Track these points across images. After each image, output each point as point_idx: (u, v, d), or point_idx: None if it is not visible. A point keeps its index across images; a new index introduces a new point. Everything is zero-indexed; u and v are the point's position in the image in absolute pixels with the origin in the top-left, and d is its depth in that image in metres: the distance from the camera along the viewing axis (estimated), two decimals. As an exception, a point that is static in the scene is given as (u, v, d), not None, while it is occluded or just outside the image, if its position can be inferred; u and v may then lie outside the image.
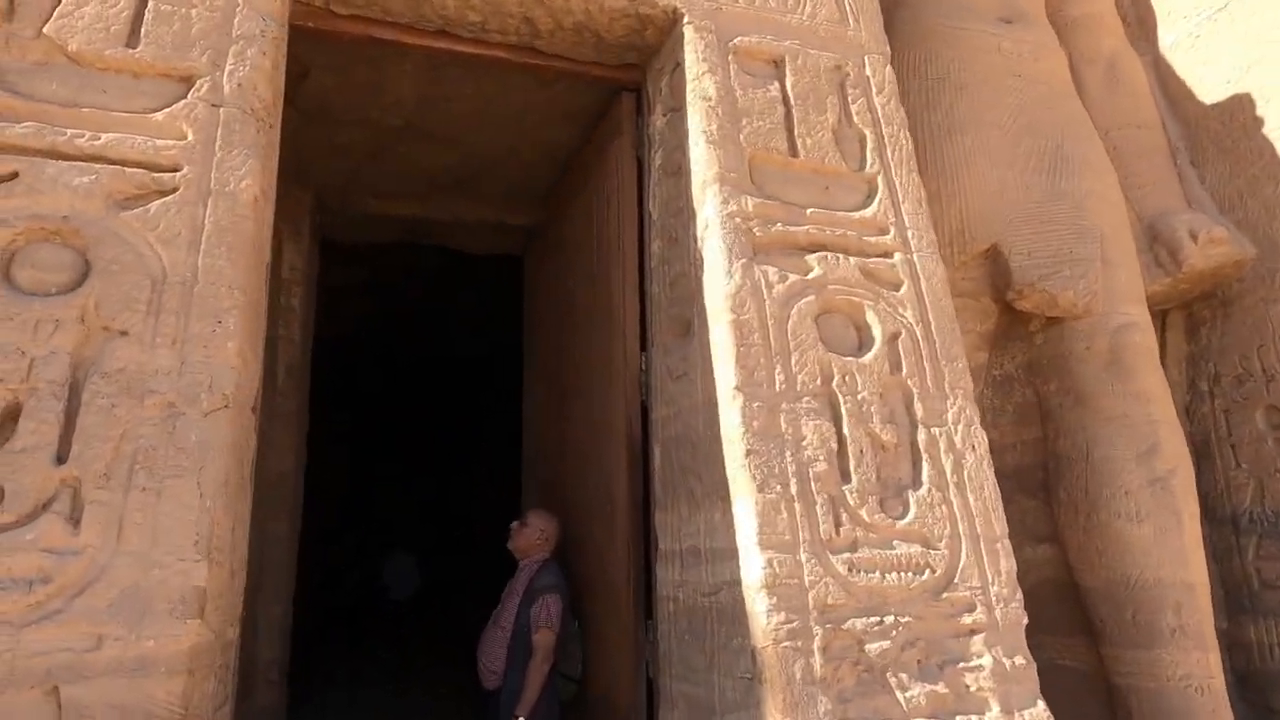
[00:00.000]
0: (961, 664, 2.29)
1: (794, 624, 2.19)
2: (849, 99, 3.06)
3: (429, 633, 9.19)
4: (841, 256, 2.76)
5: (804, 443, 2.42)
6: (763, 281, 2.61)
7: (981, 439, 2.63)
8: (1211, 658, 3.48)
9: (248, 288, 2.21)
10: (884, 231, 2.87)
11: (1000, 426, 4.06)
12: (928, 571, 2.38)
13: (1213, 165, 4.55)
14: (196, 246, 2.14)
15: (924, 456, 2.54)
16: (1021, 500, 3.95)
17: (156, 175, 2.20)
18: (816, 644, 2.18)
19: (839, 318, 2.69)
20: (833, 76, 3.07)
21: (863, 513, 2.39)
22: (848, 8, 3.25)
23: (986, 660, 2.31)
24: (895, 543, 2.39)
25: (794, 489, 2.35)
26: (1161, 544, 3.55)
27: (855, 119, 3.03)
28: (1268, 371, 4.18)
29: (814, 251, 2.74)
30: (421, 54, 3.31)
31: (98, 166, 2.16)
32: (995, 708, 2.25)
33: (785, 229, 2.74)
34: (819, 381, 2.53)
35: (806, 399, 2.48)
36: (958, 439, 2.60)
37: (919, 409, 2.60)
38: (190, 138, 2.27)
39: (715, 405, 2.54)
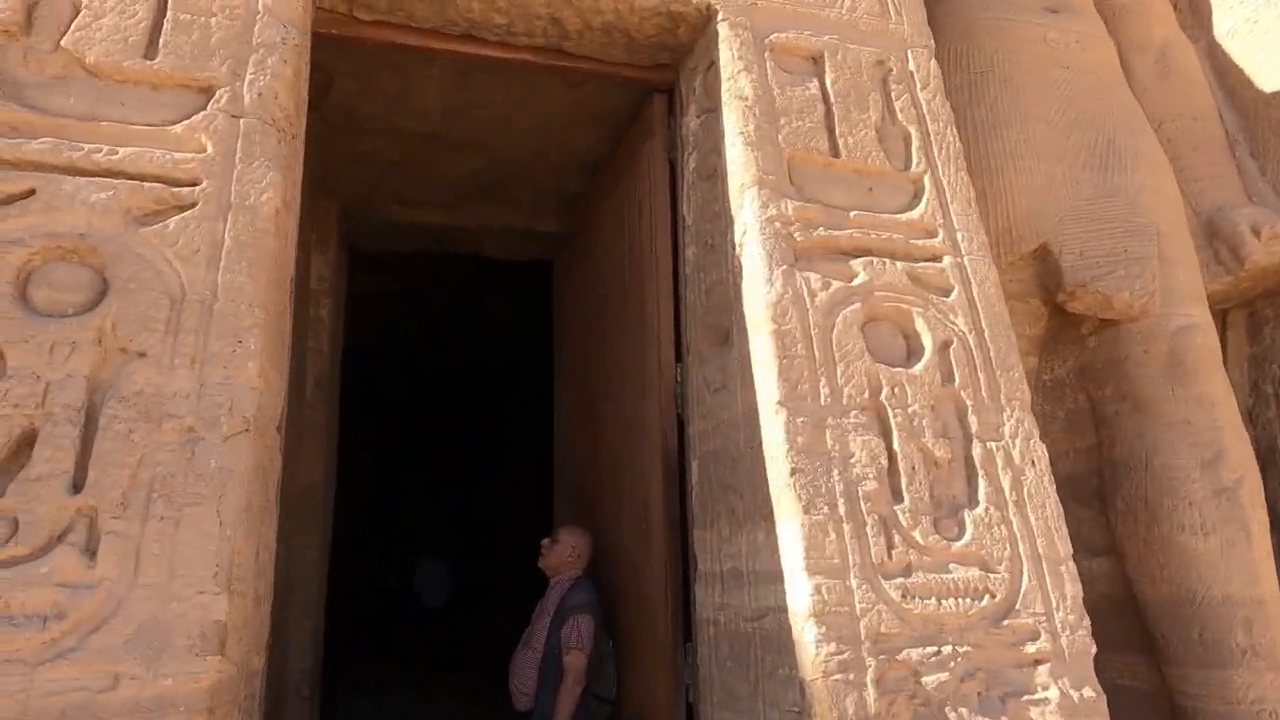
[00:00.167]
0: (1025, 697, 2.14)
1: (845, 655, 2.05)
2: (892, 95, 2.92)
3: (455, 639, 9.18)
4: (887, 261, 2.62)
5: (852, 460, 2.29)
6: (805, 289, 2.48)
7: (1042, 453, 2.48)
8: (1286, 679, 3.28)
9: (269, 304, 2.13)
10: (932, 234, 2.73)
11: (1051, 434, 3.88)
12: (987, 597, 2.23)
13: (1274, 156, 4.31)
14: (216, 263, 2.06)
15: (980, 473, 2.39)
16: (1075, 510, 3.76)
17: (175, 190, 2.12)
18: (869, 676, 2.04)
19: (886, 326, 2.55)
20: (874, 72, 2.93)
21: (916, 534, 2.25)
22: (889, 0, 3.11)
23: (1053, 692, 2.15)
24: (951, 566, 2.25)
25: (842, 509, 2.21)
26: (1229, 558, 3.35)
27: (899, 116, 2.88)
28: (1336, 373, 3.96)
29: (858, 256, 2.60)
30: (447, 59, 3.23)
31: (116, 182, 2.09)
32: (1063, 744, 2.10)
33: (827, 233, 2.61)
34: (866, 394, 2.39)
35: (854, 413, 2.35)
36: (1016, 454, 2.45)
37: (973, 422, 2.45)
38: (210, 150, 2.20)
39: (756, 420, 2.41)
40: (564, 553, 3.37)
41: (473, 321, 7.68)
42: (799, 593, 2.14)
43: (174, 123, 2.22)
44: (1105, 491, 3.75)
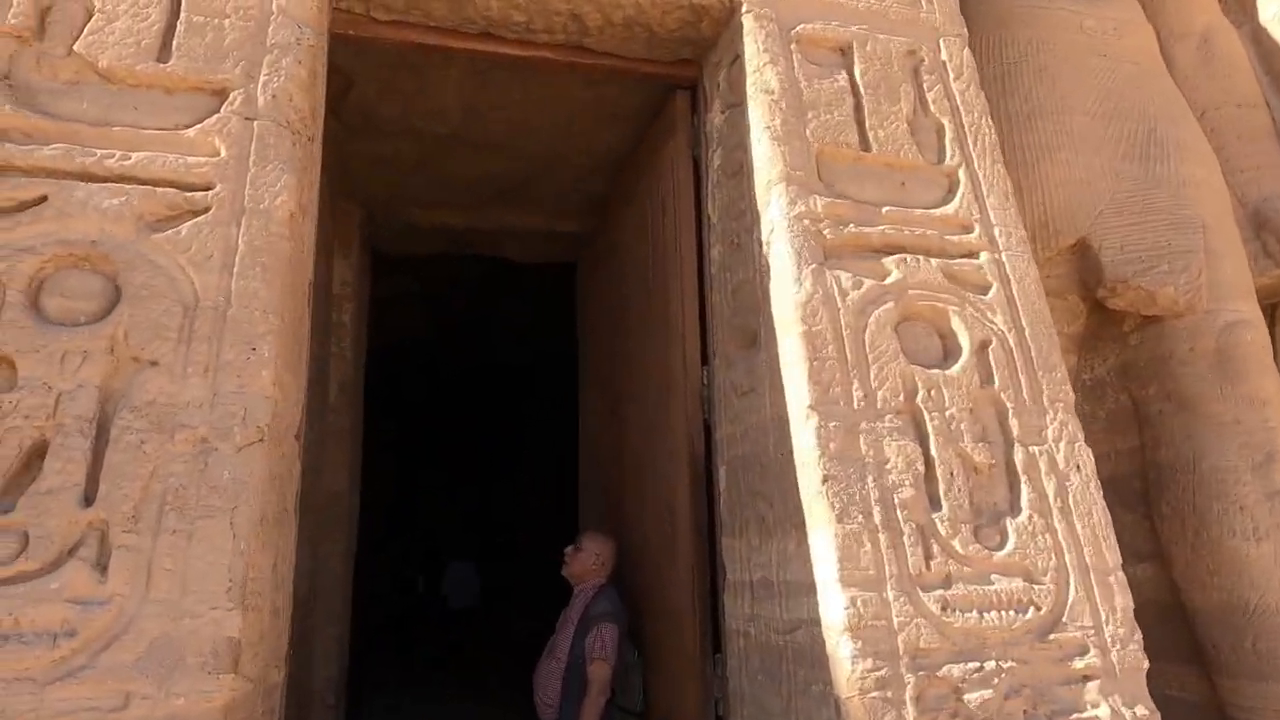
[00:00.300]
0: (1074, 715, 2.03)
1: (882, 671, 1.96)
2: (924, 86, 2.81)
3: (475, 640, 9.18)
4: (921, 258, 2.52)
5: (887, 466, 2.19)
6: (835, 288, 2.39)
7: (1087, 457, 2.36)
8: (1346, 692, 3.12)
9: (284, 310, 2.08)
10: (968, 229, 2.62)
11: (1092, 435, 3.69)
12: (1031, 609, 2.12)
13: (1325, 144, 4.14)
14: (230, 268, 2.02)
15: (1022, 479, 2.28)
16: (1119, 514, 3.59)
17: (188, 194, 2.08)
18: (908, 694, 1.95)
19: (921, 326, 2.44)
20: (905, 62, 2.83)
21: (955, 543, 2.15)
22: (919, -13, 3.00)
23: (1103, 711, 2.04)
24: (994, 577, 2.14)
25: (877, 518, 2.12)
26: (1284, 565, 3.20)
27: (932, 108, 2.78)
28: (1394, 369, 3.77)
29: (891, 254, 2.50)
30: (465, 59, 3.17)
31: (128, 187, 2.05)
32: (1115, 765, 1.99)
33: (858, 230, 2.51)
34: (901, 397, 2.29)
35: (888, 417, 2.25)
36: (1060, 458, 2.33)
37: (1014, 425, 2.34)
38: (223, 154, 2.15)
39: (786, 424, 2.32)
40: (587, 560, 3.30)
41: (491, 323, 7.66)
42: (833, 606, 2.05)
43: (187, 126, 2.18)
44: (1149, 494, 3.61)
